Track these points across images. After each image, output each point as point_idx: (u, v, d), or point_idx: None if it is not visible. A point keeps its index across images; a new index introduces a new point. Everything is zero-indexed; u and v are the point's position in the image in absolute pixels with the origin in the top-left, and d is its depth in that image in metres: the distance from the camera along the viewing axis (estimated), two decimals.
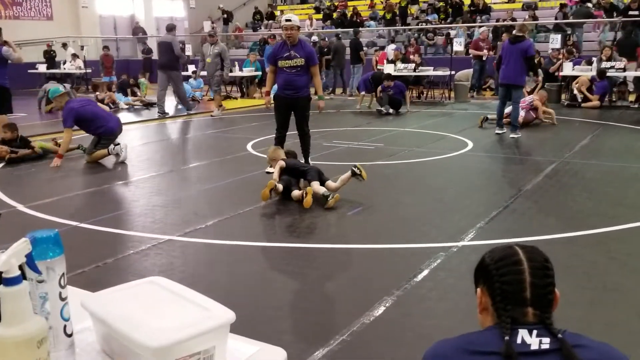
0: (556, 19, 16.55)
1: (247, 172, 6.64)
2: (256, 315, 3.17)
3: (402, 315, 3.17)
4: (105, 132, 7.47)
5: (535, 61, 12.71)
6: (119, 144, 7.51)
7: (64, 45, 18.54)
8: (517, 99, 8.80)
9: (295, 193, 5.37)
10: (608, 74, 12.16)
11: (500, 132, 9.02)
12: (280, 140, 6.58)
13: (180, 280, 1.38)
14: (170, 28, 12.28)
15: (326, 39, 17.16)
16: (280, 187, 5.36)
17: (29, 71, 17.34)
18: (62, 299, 1.17)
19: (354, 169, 5.40)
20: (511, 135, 8.79)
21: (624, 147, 7.96)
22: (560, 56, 13.42)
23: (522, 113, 9.63)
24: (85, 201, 5.86)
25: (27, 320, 1.03)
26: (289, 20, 6.25)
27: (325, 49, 15.91)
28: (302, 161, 6.31)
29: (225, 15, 22.83)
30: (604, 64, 12.35)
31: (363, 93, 12.71)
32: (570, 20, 16.43)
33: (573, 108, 11.92)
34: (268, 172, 6.26)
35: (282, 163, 5.62)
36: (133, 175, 6.88)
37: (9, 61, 8.43)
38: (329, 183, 5.46)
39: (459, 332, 1.31)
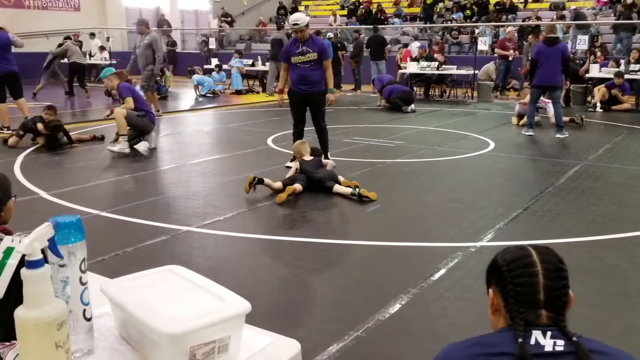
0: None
1: (267, 166, 6.66)
2: (271, 308, 3.19)
3: (418, 313, 3.16)
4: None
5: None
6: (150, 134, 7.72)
7: (92, 35, 18.73)
8: (558, 98, 8.86)
9: (275, 185, 5.43)
10: (635, 77, 11.93)
11: (529, 133, 8.86)
12: (298, 135, 6.59)
13: (197, 270, 1.39)
14: (281, 26, 14.98)
15: (338, 35, 17.20)
16: (275, 184, 5.42)
17: None
18: (83, 284, 1.19)
19: (354, 191, 5.33)
20: (558, 135, 8.69)
21: None
22: (593, 56, 13.26)
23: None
24: (107, 190, 5.94)
25: (48, 303, 1.04)
26: (296, 24, 6.23)
27: (339, 44, 15.91)
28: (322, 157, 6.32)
29: (229, 19, 22.75)
30: (632, 67, 12.12)
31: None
32: (595, 21, 16.20)
33: (600, 112, 11.71)
34: (288, 167, 6.28)
35: (297, 165, 5.69)
36: (154, 167, 6.96)
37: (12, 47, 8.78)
38: (343, 182, 5.50)
39: (474, 332, 1.29)
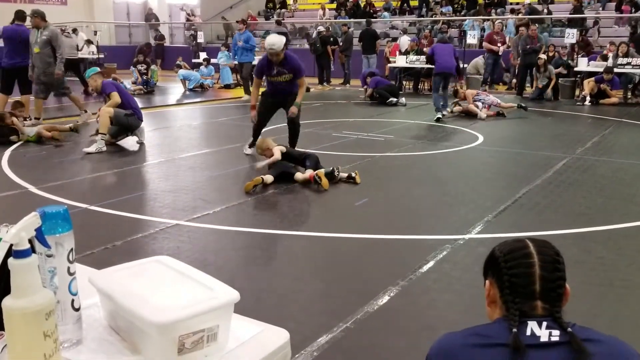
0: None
1: (256, 160, 6.65)
2: (260, 301, 3.19)
3: (406, 305, 3.18)
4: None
5: (549, 55, 12.63)
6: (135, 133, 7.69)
7: (74, 31, 18.56)
8: (448, 85, 10.26)
9: (299, 176, 5.50)
10: (623, 71, 12.03)
11: (438, 116, 9.68)
12: (256, 136, 6.76)
13: (186, 263, 1.39)
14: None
15: (330, 29, 17.15)
16: (268, 178, 5.42)
17: None
18: (70, 274, 1.18)
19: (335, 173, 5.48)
20: (438, 115, 9.74)
21: (636, 144, 7.90)
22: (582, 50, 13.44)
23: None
24: (95, 184, 5.91)
25: (36, 292, 1.04)
26: (273, 48, 6.30)
27: (332, 39, 15.87)
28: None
29: (193, 17, 22.66)
30: (620, 60, 12.20)
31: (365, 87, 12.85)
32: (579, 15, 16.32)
33: (589, 105, 11.81)
34: None
35: (278, 155, 5.68)
36: (143, 161, 6.92)
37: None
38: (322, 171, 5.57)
39: (462, 323, 1.30)
